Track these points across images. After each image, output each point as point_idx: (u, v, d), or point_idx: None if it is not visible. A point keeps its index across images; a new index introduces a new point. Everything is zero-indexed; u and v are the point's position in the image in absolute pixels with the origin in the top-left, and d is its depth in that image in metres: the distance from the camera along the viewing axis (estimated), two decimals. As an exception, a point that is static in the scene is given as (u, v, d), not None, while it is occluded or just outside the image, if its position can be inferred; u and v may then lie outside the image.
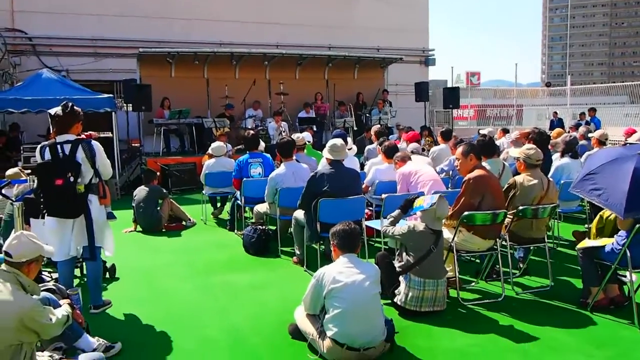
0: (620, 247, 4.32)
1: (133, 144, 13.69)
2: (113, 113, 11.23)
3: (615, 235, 4.53)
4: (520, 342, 4.08)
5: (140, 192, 8.01)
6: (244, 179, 7.22)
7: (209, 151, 8.81)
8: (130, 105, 13.11)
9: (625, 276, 4.77)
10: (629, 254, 4.25)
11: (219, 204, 8.88)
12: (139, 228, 7.98)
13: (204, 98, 14.77)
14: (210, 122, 13.07)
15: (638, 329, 4.22)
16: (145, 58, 13.96)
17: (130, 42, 15.60)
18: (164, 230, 7.97)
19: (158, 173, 9.34)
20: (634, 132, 9.77)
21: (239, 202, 7.55)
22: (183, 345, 4.09)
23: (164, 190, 8.38)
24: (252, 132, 8.66)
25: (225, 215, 8.56)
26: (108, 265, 5.70)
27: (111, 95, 11.62)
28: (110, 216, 4.85)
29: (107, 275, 5.70)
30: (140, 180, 9.83)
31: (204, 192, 8.56)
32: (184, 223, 8.27)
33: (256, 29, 17.35)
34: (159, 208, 8.03)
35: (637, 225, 4.16)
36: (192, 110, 13.50)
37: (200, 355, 3.95)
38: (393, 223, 4.82)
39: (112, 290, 5.41)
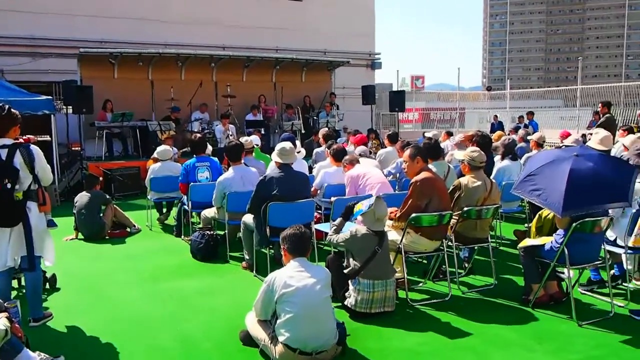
0: (559, 245, 4.51)
1: (73, 148, 13.21)
2: (52, 116, 10.80)
3: (554, 234, 4.73)
4: (467, 339, 4.19)
5: (82, 198, 7.73)
6: (191, 183, 7.10)
7: (155, 155, 8.61)
8: (71, 107, 12.64)
9: (563, 273, 5.00)
10: (566, 251, 4.45)
11: (164, 210, 8.68)
12: (80, 236, 7.70)
13: (148, 100, 14.44)
14: (155, 125, 12.79)
15: (576, 323, 4.42)
16: (86, 58, 13.52)
17: (70, 41, 15.11)
18: (107, 237, 7.72)
19: (100, 178, 9.04)
20: (569, 134, 10.26)
21: (185, 207, 7.41)
22: (131, 356, 3.98)
23: (107, 196, 8.12)
24: (198, 135, 8.53)
25: (171, 220, 8.38)
26: (48, 275, 5.46)
27: (50, 97, 11.17)
28: (51, 224, 4.66)
29: (48, 286, 5.46)
30: (81, 185, 9.50)
31: (149, 197, 8.34)
32: (128, 230, 8.04)
33: (202, 30, 17.15)
34: (101, 214, 7.77)
35: (574, 224, 4.36)
36: (136, 113, 13.18)
37: (149, 365, 3.86)
38: (337, 231, 4.84)
39: (53, 301, 5.19)
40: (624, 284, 5.18)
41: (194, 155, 7.49)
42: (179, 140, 12.65)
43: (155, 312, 4.87)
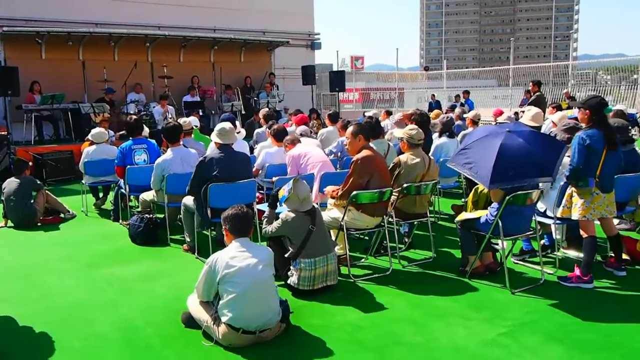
0: (494, 218, 4.69)
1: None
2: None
3: (488, 207, 4.91)
4: (407, 311, 4.31)
5: (10, 184, 7.35)
6: (128, 166, 6.88)
7: (89, 138, 8.28)
8: (-6, 89, 11.91)
9: (497, 244, 5.22)
10: (501, 223, 4.63)
11: (101, 194, 8.40)
12: (10, 223, 7.35)
13: (80, 82, 13.84)
14: (88, 107, 12.27)
15: (509, 291, 4.63)
16: (10, 38, 12.78)
17: (-9, 20, 14.16)
18: (39, 224, 7.40)
19: (30, 163, 8.62)
20: (502, 112, 10.62)
21: (123, 190, 7.19)
22: (69, 344, 3.85)
23: (38, 182, 7.74)
24: (134, 117, 8.26)
25: (108, 205, 8.12)
26: (-24, 265, 5.20)
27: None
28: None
29: (-24, 277, 5.21)
30: (9, 171, 9.03)
31: (83, 181, 8.03)
32: (62, 216, 7.73)
33: (137, 8, 16.45)
34: (32, 201, 7.42)
35: (507, 197, 4.54)
36: (67, 95, 12.59)
37: (90, 353, 3.73)
38: (269, 222, 4.81)
39: (-18, 292, 4.95)
40: (553, 252, 5.45)
41: (130, 138, 7.26)
42: (115, 123, 12.21)
43: (93, 300, 4.72)
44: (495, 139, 4.60)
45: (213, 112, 15.09)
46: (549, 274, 5.02)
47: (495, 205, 4.78)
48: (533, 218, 5.05)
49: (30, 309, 4.50)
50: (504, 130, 4.71)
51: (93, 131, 8.28)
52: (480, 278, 4.95)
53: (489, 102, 22.96)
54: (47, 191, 7.80)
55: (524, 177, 4.57)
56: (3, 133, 12.24)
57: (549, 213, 5.24)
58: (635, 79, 19.56)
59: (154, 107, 13.04)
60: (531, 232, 5.05)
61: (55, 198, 7.79)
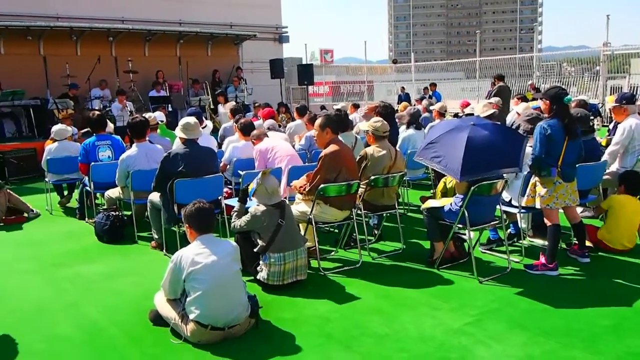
0: (459, 208, 4.75)
1: (-43, 131, 12.13)
2: None
3: (453, 197, 4.97)
4: (376, 303, 4.34)
5: (-31, 183, 7.13)
6: (92, 163, 6.74)
7: (52, 135, 8.08)
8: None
9: (464, 234, 5.28)
10: (467, 213, 4.69)
11: (65, 192, 8.21)
12: (-30, 224, 7.13)
13: (41, 77, 13.53)
14: (51, 103, 11.97)
15: (477, 280, 4.70)
16: (-35, 33, 12.37)
17: (-55, 13, 13.67)
18: (2, 224, 7.20)
19: (-10, 161, 8.37)
20: (468, 104, 10.76)
21: (87, 188, 7.04)
22: (31, 346, 3.75)
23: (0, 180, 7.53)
24: (97, 112, 8.07)
25: (73, 203, 7.95)
26: None
27: None
28: None
29: None
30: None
31: (47, 179, 7.84)
32: (25, 215, 7.53)
33: (99, 1, 16.10)
34: (-6, 200, 7.21)
35: (472, 187, 4.59)
36: (29, 91, 12.31)
37: (53, 355, 3.65)
38: (239, 216, 4.77)
39: (-60, 295, 4.79)
40: (519, 241, 5.55)
41: (94, 134, 7.11)
42: (79, 120, 11.93)
43: (56, 301, 4.61)
44: (461, 133, 4.66)
45: (185, 106, 14.88)
46: (516, 262, 5.10)
47: (459, 195, 4.84)
48: (498, 207, 5.13)
49: (-9, 311, 4.38)
50: (468, 124, 4.78)
51: (54, 128, 8.08)
52: (449, 268, 5.01)
53: (457, 94, 23.25)
54: (9, 190, 7.59)
55: (493, 168, 4.67)
56: (-39, 131, 11.89)
57: (514, 202, 5.33)
58: (597, 70, 20.05)
59: (113, 103, 12.80)
60: (497, 222, 5.13)
61: (17, 197, 7.58)
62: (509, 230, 5.61)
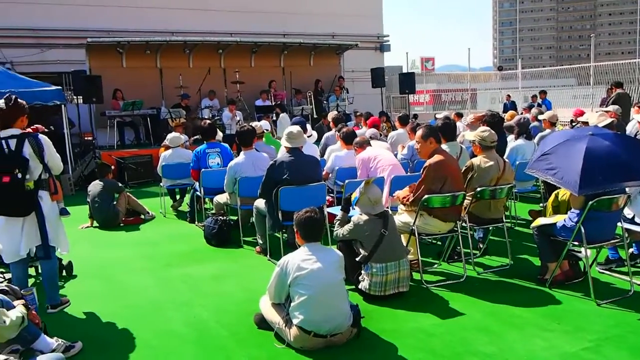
0: (574, 224, 4.44)
1: (86, 138, 13.28)
2: (63, 106, 10.83)
3: (568, 212, 4.66)
4: (482, 320, 4.16)
5: (95, 186, 7.77)
6: (203, 169, 7.09)
7: (165, 142, 8.62)
8: (81, 97, 12.68)
9: (580, 252, 4.93)
10: (583, 230, 4.38)
11: (178, 196, 8.71)
12: (95, 224, 7.76)
13: (157, 88, 14.46)
14: (166, 112, 12.80)
15: (594, 302, 4.36)
16: (94, 48, 13.54)
17: (77, 31, 15.06)
18: (121, 225, 7.78)
19: (113, 167, 9.08)
20: (583, 112, 10.08)
21: (198, 193, 7.43)
22: (147, 341, 4.00)
23: (120, 184, 8.16)
24: (208, 121, 8.50)
25: (185, 207, 8.41)
26: (64, 262, 5.51)
27: (59, 87, 11.19)
28: (64, 212, 4.66)
29: (64, 273, 5.52)
30: (94, 174, 9.54)
31: (161, 184, 8.38)
32: (142, 217, 8.08)
33: (209, 16, 17.06)
34: (115, 202, 7.80)
35: (591, 202, 4.28)
36: (146, 101, 13.20)
37: (166, 351, 3.86)
38: (341, 225, 4.78)
39: (69, 288, 5.24)
40: (642, 262, 5.10)
41: (205, 142, 7.48)
42: (190, 128, 12.67)
43: (169, 298, 4.89)
44: (578, 143, 4.37)
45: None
46: (639, 285, 4.69)
47: (575, 210, 4.53)
48: (619, 225, 4.74)
49: (112, 305, 4.72)
50: (586, 134, 4.48)
51: (169, 136, 8.61)
52: (562, 288, 4.70)
53: (568, 101, 21.86)
54: (128, 193, 8.19)
55: (614, 182, 4.32)
56: (89, 138, 13.03)
57: (637, 220, 4.90)
58: None
59: (223, 112, 13.40)
60: (618, 240, 4.74)
61: (136, 200, 8.16)
62: (631, 250, 5.17)
